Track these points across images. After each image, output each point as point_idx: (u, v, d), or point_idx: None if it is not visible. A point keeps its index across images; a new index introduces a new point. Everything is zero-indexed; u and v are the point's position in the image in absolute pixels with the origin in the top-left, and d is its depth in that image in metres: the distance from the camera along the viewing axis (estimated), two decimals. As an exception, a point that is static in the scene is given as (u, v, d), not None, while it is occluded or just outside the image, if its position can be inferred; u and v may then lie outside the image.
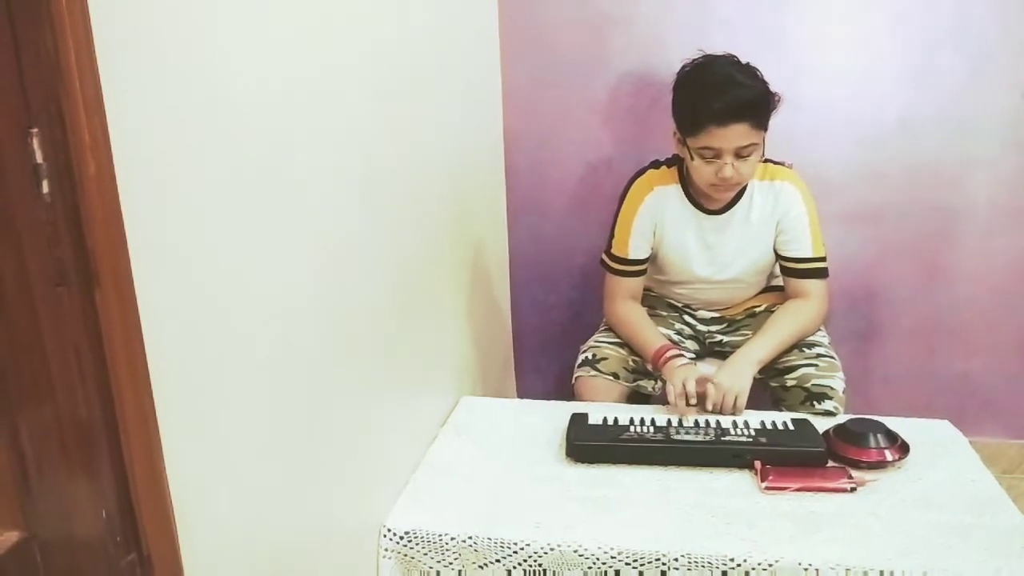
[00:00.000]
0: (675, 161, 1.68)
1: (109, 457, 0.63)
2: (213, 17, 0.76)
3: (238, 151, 0.81)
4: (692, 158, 1.54)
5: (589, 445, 1.36)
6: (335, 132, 1.05)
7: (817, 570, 1.09)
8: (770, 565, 1.10)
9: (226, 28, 0.79)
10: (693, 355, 1.75)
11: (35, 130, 0.54)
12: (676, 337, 1.75)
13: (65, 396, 0.59)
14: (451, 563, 1.20)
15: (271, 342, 0.89)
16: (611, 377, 1.65)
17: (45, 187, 0.56)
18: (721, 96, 1.45)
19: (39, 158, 0.55)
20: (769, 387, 1.64)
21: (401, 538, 1.21)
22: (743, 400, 1.48)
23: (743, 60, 1.54)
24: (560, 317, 2.22)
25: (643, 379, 1.69)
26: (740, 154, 1.49)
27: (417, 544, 1.21)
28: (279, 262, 0.90)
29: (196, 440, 0.75)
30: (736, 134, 1.46)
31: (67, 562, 0.60)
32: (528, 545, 1.17)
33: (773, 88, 1.51)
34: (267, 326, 0.88)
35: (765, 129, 1.51)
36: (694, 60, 1.56)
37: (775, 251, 1.67)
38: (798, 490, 1.25)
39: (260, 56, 0.85)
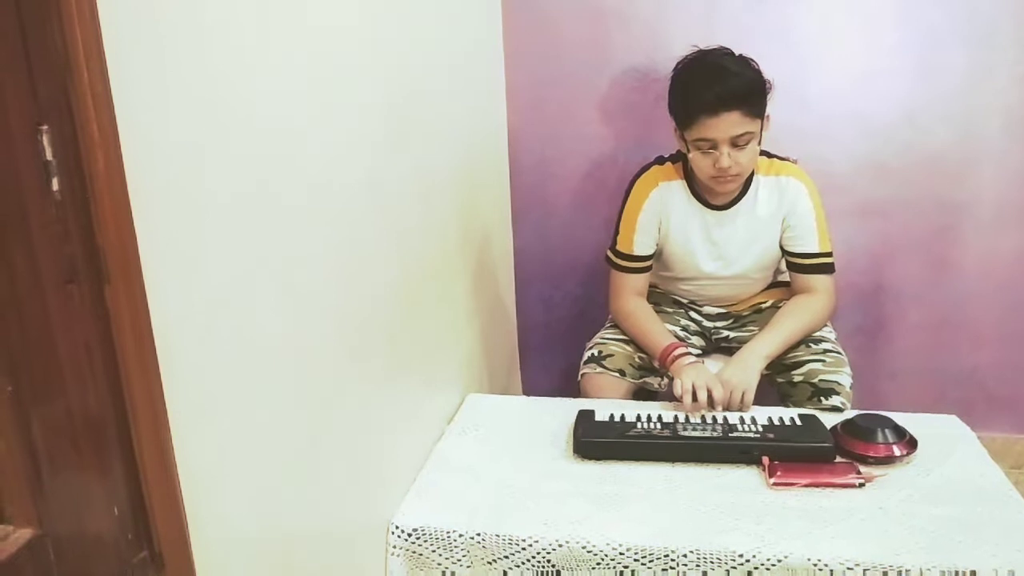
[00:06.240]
0: (679, 157, 1.68)
1: (120, 454, 0.63)
2: (221, 14, 0.76)
3: (246, 148, 0.81)
4: (690, 151, 1.54)
5: (596, 442, 1.36)
6: (340, 130, 1.04)
7: (826, 565, 1.08)
8: (779, 561, 1.10)
9: (235, 25, 0.79)
10: (699, 351, 1.75)
11: (45, 126, 0.54)
12: (682, 333, 1.75)
13: (76, 393, 0.59)
14: (459, 560, 1.20)
15: (279, 339, 0.89)
16: (617, 374, 1.65)
17: (55, 184, 0.56)
18: (710, 86, 1.46)
19: (49, 155, 0.55)
20: (776, 383, 1.64)
21: (409, 535, 1.21)
22: (750, 396, 1.48)
23: (748, 55, 1.54)
24: (565, 314, 2.22)
25: (649, 375, 1.68)
26: (736, 143, 1.49)
27: (425, 541, 1.21)
28: (287, 260, 0.90)
29: (206, 437, 0.75)
30: (728, 123, 1.46)
31: (80, 559, 0.60)
32: (536, 542, 1.17)
33: (769, 77, 1.51)
34: (275, 324, 0.88)
35: (760, 117, 1.51)
36: (688, 55, 1.56)
37: (781, 247, 1.67)
38: (806, 486, 1.25)
39: (268, 54, 0.85)
